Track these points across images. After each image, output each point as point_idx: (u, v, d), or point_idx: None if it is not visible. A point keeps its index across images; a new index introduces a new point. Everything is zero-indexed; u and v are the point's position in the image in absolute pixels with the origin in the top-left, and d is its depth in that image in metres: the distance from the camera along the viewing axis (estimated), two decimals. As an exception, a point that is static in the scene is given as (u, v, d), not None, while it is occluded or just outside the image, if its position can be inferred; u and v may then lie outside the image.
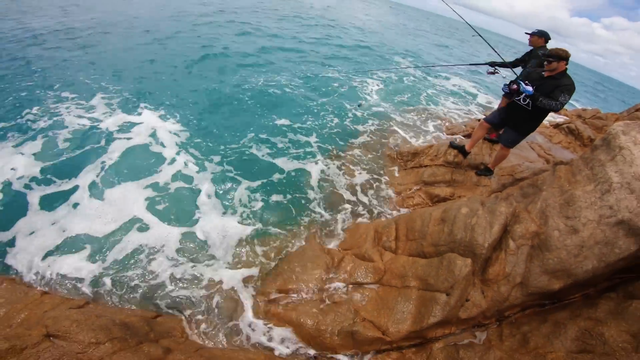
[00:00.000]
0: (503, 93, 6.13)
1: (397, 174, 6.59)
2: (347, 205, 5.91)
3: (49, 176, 5.62)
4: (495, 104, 12.96)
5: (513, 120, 5.23)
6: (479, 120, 8.57)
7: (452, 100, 12.78)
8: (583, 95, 29.67)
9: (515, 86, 4.77)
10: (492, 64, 6.39)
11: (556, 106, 4.52)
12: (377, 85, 12.82)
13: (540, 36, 5.89)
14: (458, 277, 3.68)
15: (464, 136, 8.08)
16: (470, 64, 8.03)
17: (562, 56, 4.53)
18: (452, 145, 6.58)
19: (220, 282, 4.41)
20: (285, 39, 17.95)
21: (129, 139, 6.88)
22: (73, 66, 9.78)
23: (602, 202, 3.42)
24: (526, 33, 6.06)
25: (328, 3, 43.83)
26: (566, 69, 4.64)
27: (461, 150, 6.42)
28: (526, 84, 4.64)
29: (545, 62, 4.68)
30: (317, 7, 37.06)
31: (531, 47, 6.05)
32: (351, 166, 6.97)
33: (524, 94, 4.75)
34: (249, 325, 4.01)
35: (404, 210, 5.80)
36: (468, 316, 3.70)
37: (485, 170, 6.04)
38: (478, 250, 3.81)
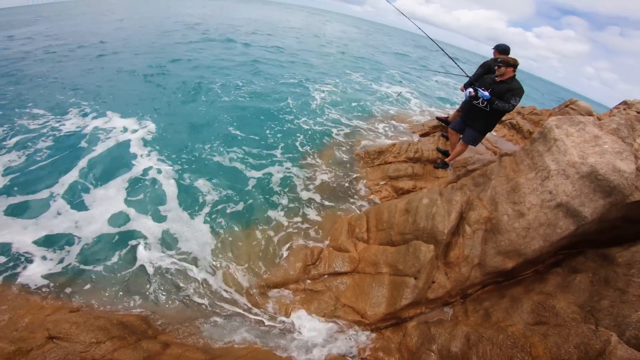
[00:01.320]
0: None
1: (365, 171, 6.61)
2: (320, 203, 5.88)
3: (27, 185, 5.37)
4: (427, 109, 13.16)
5: (473, 121, 5.33)
6: (437, 118, 8.71)
7: (400, 104, 12.84)
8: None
9: (474, 92, 4.94)
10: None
11: (509, 108, 4.68)
12: (333, 92, 12.66)
13: (495, 49, 6.12)
14: (423, 261, 3.74)
15: (421, 135, 8.22)
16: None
17: (510, 63, 4.71)
18: (439, 150, 6.76)
19: (206, 280, 4.30)
20: (251, 48, 17.70)
21: (103, 143, 6.69)
22: (46, 85, 9.24)
23: (542, 188, 3.56)
24: (492, 48, 6.28)
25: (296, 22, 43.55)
26: (514, 75, 4.80)
27: (445, 154, 6.61)
28: (483, 90, 4.82)
29: (496, 67, 4.86)
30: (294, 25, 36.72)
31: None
32: (321, 167, 6.94)
33: (481, 98, 4.89)
34: (239, 318, 3.94)
35: (373, 204, 5.84)
36: (435, 296, 3.77)
37: (442, 164, 6.19)
38: (439, 237, 3.89)
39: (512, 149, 7.12)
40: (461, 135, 5.76)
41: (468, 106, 5.41)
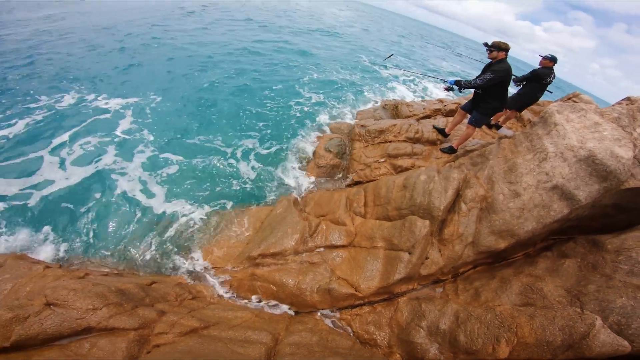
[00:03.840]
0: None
1: (364, 149, 6.59)
2: (321, 176, 5.92)
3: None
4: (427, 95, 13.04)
5: (477, 104, 5.51)
6: (439, 100, 8.66)
7: (403, 88, 12.74)
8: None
9: (446, 85, 5.28)
10: (516, 80, 6.54)
11: (476, 83, 4.90)
12: (341, 75, 12.53)
13: (546, 58, 6.09)
14: (418, 237, 3.76)
15: (422, 117, 8.16)
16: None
17: (501, 47, 4.89)
18: (435, 127, 6.85)
19: (204, 250, 4.36)
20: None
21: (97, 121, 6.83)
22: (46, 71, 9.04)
23: (539, 169, 3.56)
24: (539, 55, 6.26)
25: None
26: (505, 57, 4.94)
27: (441, 131, 6.67)
28: (449, 80, 5.23)
29: (487, 51, 5.01)
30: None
31: (539, 67, 6.26)
32: (321, 145, 6.94)
33: (452, 86, 5.21)
34: (237, 287, 4.00)
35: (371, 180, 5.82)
36: (428, 273, 3.80)
37: (449, 149, 6.11)
38: (435, 213, 3.90)
39: (510, 134, 7.13)
40: (468, 116, 5.83)
41: (475, 91, 5.56)
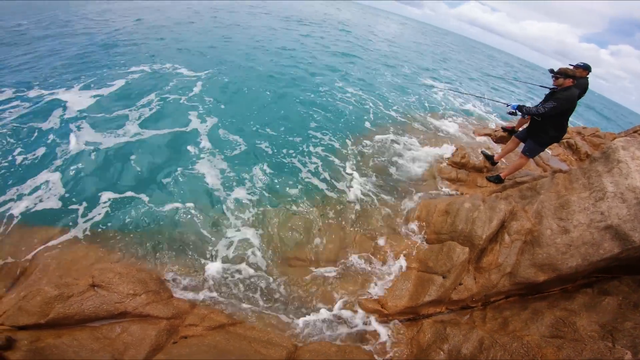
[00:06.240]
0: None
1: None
2: (359, 193, 5.94)
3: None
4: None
5: (530, 132, 5.34)
6: (503, 128, 8.47)
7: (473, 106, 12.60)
8: (585, 114, 28.36)
9: (509, 110, 5.22)
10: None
11: (537, 110, 4.76)
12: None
13: (584, 69, 5.91)
14: (456, 262, 3.74)
15: (483, 134, 8.01)
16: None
17: (568, 74, 4.64)
18: (484, 153, 6.66)
19: (250, 250, 4.44)
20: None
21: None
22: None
23: (594, 208, 3.42)
24: (570, 65, 6.10)
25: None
26: (571, 85, 4.70)
27: (490, 159, 6.46)
28: (512, 104, 5.22)
29: (553, 78, 4.80)
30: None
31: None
32: (364, 158, 6.93)
33: (514, 111, 5.17)
34: (257, 291, 4.02)
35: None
36: (459, 298, 3.75)
37: (496, 179, 5.87)
38: (476, 241, 3.86)
39: (565, 168, 6.78)
40: (521, 144, 5.63)
41: (532, 119, 5.36)
